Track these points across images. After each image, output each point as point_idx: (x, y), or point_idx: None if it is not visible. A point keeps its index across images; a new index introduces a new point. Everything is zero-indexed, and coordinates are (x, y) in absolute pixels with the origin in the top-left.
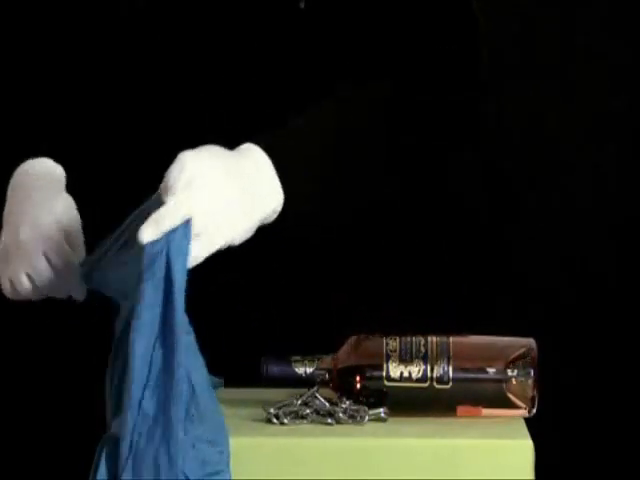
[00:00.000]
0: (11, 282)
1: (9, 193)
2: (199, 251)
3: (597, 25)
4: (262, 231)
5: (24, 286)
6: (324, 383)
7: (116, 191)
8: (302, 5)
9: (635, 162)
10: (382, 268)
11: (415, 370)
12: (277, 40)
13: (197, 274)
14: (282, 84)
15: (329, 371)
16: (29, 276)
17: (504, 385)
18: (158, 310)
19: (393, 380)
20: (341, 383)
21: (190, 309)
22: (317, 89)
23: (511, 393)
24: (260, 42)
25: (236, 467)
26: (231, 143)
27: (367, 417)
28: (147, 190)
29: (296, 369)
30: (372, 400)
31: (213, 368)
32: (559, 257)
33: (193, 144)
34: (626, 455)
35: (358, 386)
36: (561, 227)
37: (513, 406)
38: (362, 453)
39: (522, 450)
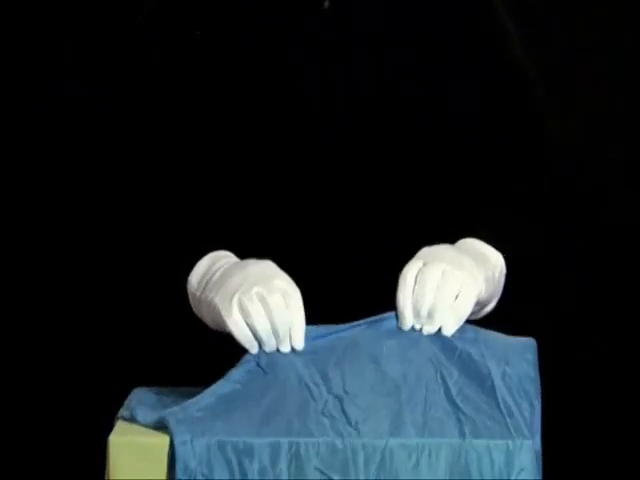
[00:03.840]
0: (240, 301)
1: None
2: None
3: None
4: None
5: (254, 304)
6: None
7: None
8: (326, 5)
9: (636, 163)
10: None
11: None
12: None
13: None
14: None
15: None
16: (263, 302)
17: None
18: None
19: None
20: None
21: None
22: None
23: None
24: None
25: None
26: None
27: None
28: None
29: None
30: None
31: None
32: (560, 257)
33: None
34: (627, 455)
35: None
36: (560, 227)
37: None
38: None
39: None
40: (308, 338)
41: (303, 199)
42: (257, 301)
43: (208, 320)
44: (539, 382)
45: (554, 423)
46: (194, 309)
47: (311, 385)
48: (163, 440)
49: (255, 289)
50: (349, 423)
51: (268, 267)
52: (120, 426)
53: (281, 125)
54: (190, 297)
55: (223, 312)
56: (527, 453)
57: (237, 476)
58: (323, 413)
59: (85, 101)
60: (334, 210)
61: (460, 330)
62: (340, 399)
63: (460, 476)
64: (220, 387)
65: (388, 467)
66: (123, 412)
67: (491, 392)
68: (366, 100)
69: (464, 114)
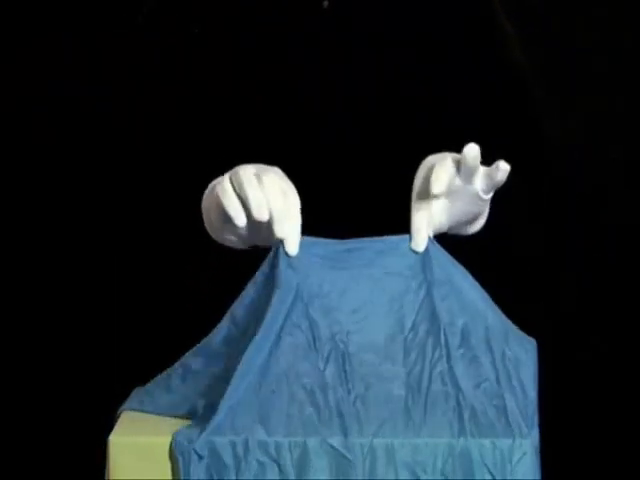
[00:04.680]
0: (239, 181)
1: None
2: None
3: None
4: None
5: (247, 173)
6: None
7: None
8: (325, 4)
9: (636, 163)
10: None
11: None
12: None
13: None
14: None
15: None
16: (257, 176)
17: None
18: None
19: None
20: None
21: None
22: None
23: None
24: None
25: None
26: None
27: None
28: None
29: None
30: None
31: None
32: (560, 257)
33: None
34: (627, 455)
35: None
36: (560, 227)
37: None
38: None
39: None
40: (306, 250)
41: (303, 199)
42: (253, 177)
43: (214, 216)
44: (536, 380)
45: (554, 423)
46: (206, 223)
47: (314, 322)
48: (163, 440)
49: (254, 170)
50: (349, 392)
51: (277, 172)
52: (120, 426)
53: (281, 125)
54: (204, 213)
55: (217, 185)
56: (526, 449)
57: (240, 453)
58: (324, 372)
59: (85, 101)
60: (333, 210)
61: (468, 294)
62: (343, 357)
63: (461, 468)
64: (236, 308)
65: (387, 465)
66: (126, 406)
67: (491, 375)
68: (366, 100)
69: (464, 114)
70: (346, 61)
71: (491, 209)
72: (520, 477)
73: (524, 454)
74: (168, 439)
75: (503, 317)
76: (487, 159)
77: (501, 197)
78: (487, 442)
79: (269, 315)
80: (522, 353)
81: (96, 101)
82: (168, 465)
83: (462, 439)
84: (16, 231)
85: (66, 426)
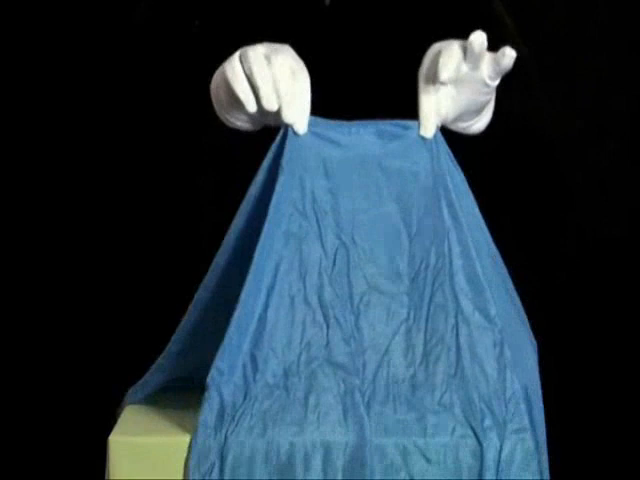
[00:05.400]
0: (247, 61)
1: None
2: None
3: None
4: None
5: (262, 65)
6: None
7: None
8: (327, 2)
9: (635, 162)
10: None
11: None
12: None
13: None
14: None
15: None
16: (267, 58)
17: None
18: None
19: None
20: None
21: None
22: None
23: None
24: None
25: None
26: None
27: None
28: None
29: None
30: None
31: None
32: (559, 257)
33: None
34: (627, 455)
35: None
36: (560, 227)
37: None
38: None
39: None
40: (314, 131)
41: None
42: (263, 59)
43: (224, 98)
44: (538, 379)
45: (553, 424)
46: (215, 104)
47: (320, 209)
48: (163, 440)
49: (263, 51)
50: (351, 304)
51: (287, 51)
52: (120, 426)
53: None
54: (212, 94)
55: (225, 64)
56: (528, 447)
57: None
58: (331, 284)
59: (85, 101)
60: None
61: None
62: (348, 256)
63: (463, 467)
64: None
65: (386, 462)
66: (128, 398)
67: (488, 294)
68: (366, 100)
69: None
70: (346, 61)
71: (491, 208)
72: (521, 476)
73: (525, 452)
74: (168, 439)
75: (518, 310)
76: (487, 159)
77: (501, 196)
78: (488, 441)
79: (275, 198)
80: (527, 348)
81: (96, 101)
82: (168, 465)
83: (464, 438)
84: (16, 230)
85: (66, 426)
